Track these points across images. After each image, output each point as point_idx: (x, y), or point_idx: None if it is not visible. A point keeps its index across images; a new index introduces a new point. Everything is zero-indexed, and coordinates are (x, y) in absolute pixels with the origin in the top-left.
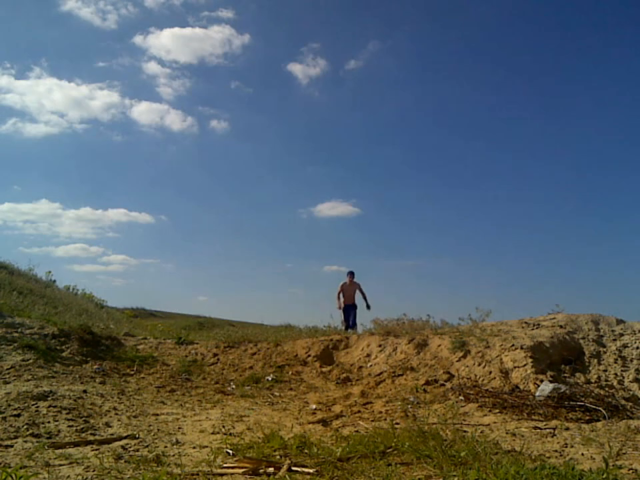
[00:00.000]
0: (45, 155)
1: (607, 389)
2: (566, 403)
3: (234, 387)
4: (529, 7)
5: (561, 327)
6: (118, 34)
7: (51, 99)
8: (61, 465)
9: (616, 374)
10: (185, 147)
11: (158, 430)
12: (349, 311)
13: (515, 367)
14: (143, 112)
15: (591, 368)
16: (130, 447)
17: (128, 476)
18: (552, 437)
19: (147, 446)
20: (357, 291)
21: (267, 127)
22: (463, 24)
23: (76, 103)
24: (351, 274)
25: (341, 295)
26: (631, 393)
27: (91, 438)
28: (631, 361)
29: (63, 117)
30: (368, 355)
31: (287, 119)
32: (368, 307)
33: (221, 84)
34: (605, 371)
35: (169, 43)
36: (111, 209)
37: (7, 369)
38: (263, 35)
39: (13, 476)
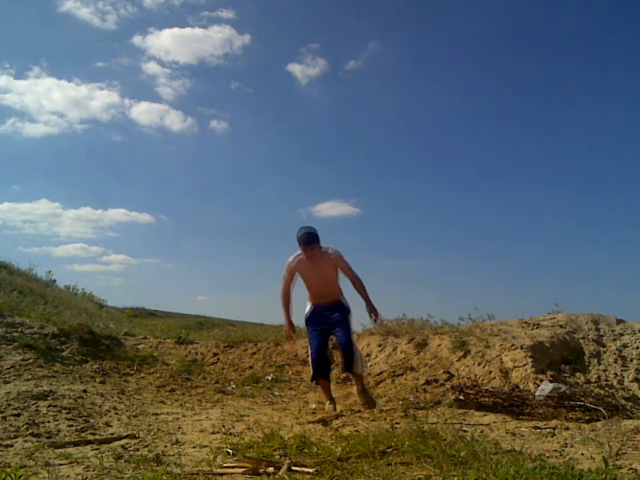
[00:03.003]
0: (44, 155)
1: (606, 388)
2: (566, 402)
3: (234, 386)
4: (531, 7)
5: (561, 326)
6: (117, 34)
7: (50, 99)
8: (60, 465)
9: (616, 374)
10: (185, 147)
11: (158, 429)
12: (326, 319)
13: (514, 367)
14: (143, 112)
15: (590, 368)
16: (130, 447)
17: (128, 475)
18: (552, 436)
19: (147, 445)
20: (338, 274)
21: (267, 126)
22: (464, 24)
23: (75, 103)
24: (309, 238)
25: (301, 287)
26: (631, 392)
27: (91, 437)
28: (631, 360)
29: (62, 117)
30: (368, 355)
31: (286, 119)
32: (373, 313)
33: (221, 84)
34: (605, 370)
35: (168, 43)
36: (111, 209)
37: (7, 369)
38: (263, 35)
39: (13, 475)
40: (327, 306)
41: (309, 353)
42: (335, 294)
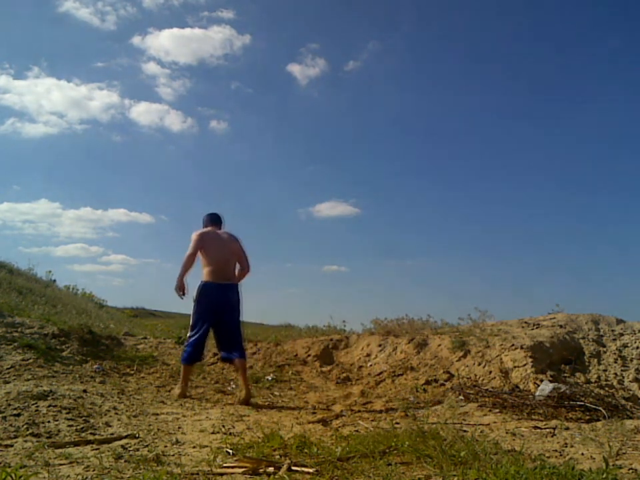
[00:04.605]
0: (44, 155)
1: (606, 388)
2: (566, 402)
3: (234, 386)
4: (532, 8)
5: (560, 326)
6: (117, 34)
7: (50, 99)
8: (60, 465)
9: (616, 374)
10: (184, 147)
11: (158, 429)
12: (222, 306)
13: (514, 367)
14: (143, 112)
15: (591, 368)
16: (130, 447)
17: (128, 475)
18: (552, 436)
19: (147, 445)
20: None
21: (267, 127)
22: (464, 25)
23: (75, 103)
24: (212, 218)
25: (202, 261)
26: (631, 392)
27: (91, 437)
28: (631, 360)
29: (62, 117)
30: (368, 355)
31: (286, 119)
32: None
33: (221, 84)
34: (605, 370)
35: (168, 43)
36: (111, 209)
37: (7, 369)
38: (263, 35)
39: (13, 475)
40: (224, 285)
41: (190, 337)
42: None
